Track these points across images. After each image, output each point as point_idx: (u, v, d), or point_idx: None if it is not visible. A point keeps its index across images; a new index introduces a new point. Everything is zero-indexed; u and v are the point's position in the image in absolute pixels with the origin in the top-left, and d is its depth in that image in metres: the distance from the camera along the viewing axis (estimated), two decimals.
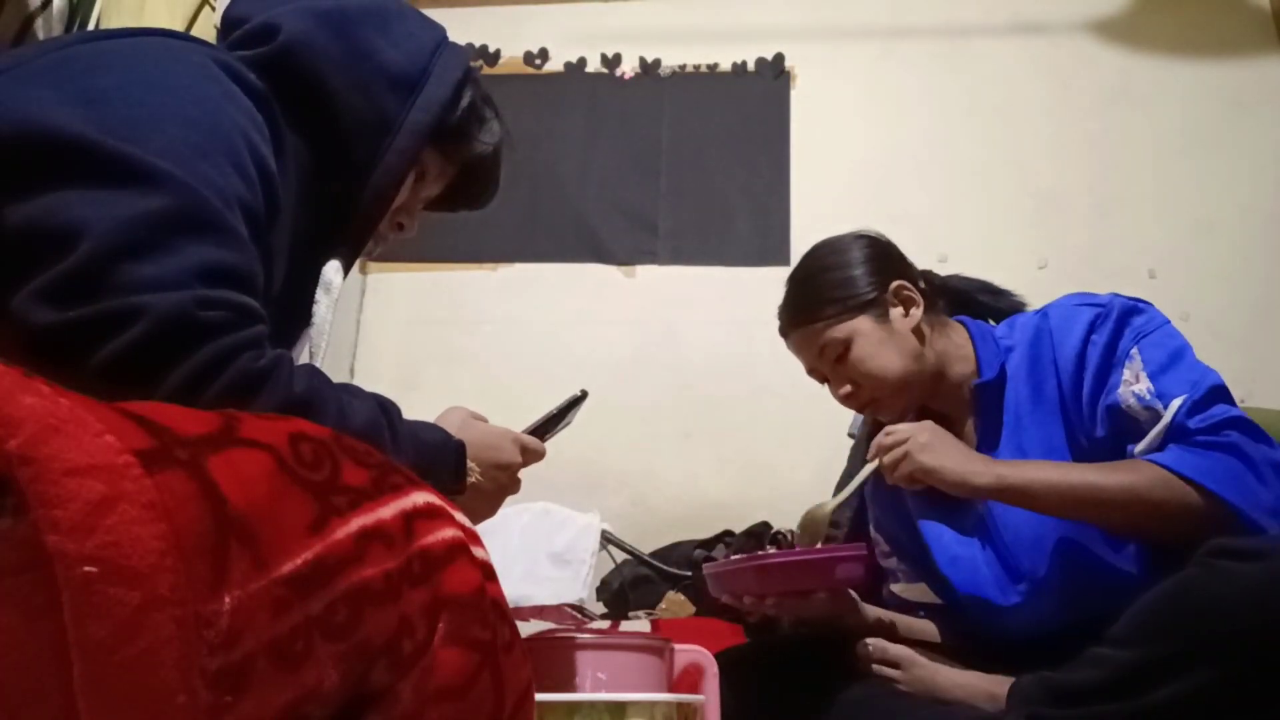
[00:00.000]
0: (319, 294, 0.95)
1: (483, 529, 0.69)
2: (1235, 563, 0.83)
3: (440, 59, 0.97)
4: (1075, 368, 1.13)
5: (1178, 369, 1.07)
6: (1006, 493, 1.06)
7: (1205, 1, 2.78)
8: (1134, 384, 1.07)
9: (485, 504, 0.94)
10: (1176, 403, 1.03)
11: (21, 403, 0.39)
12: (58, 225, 0.64)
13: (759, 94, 2.87)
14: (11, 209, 0.65)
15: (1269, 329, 2.46)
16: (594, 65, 2.96)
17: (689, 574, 2.05)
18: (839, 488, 1.82)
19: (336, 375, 0.80)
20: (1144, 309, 1.14)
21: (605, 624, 1.96)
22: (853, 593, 1.23)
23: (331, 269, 0.95)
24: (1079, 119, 2.71)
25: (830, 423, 2.01)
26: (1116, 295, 1.16)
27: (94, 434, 0.40)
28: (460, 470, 0.88)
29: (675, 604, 2.02)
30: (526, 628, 0.89)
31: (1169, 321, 1.13)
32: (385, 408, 0.81)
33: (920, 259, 1.32)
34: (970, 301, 1.34)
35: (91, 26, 1.37)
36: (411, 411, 0.85)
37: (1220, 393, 1.05)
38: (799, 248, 2.29)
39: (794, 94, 2.86)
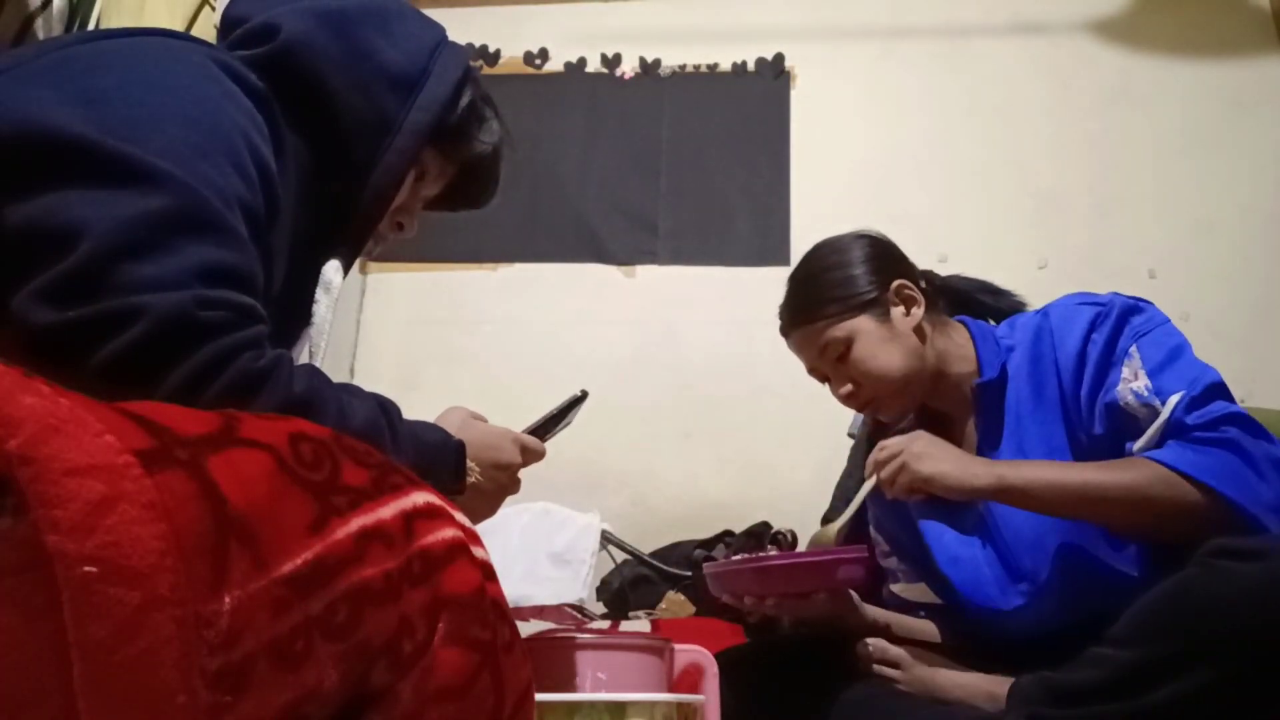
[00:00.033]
0: (319, 294, 0.95)
1: (483, 529, 0.69)
2: (1235, 563, 0.83)
3: (440, 59, 0.97)
4: (1076, 366, 1.13)
5: (1176, 366, 1.07)
6: (1007, 493, 1.06)
7: (1205, 1, 2.78)
8: (1132, 381, 1.08)
9: (485, 504, 0.94)
10: (1174, 399, 1.03)
11: (21, 403, 0.39)
12: (58, 225, 0.64)
13: (759, 94, 2.87)
14: (11, 209, 0.65)
15: (1269, 329, 2.46)
16: (594, 65, 2.96)
17: (689, 574, 2.05)
18: (839, 488, 1.82)
19: (336, 375, 0.80)
20: (1144, 308, 1.14)
21: (605, 624, 1.96)
22: (853, 593, 1.23)
23: (331, 269, 0.95)
24: (1079, 119, 2.71)
25: (830, 423, 2.01)
26: (1117, 294, 1.16)
27: (94, 434, 0.40)
28: (460, 470, 0.88)
29: (675, 604, 2.02)
30: (526, 628, 0.89)
31: (1169, 320, 1.13)
32: (385, 408, 0.81)
33: (920, 259, 1.32)
34: (971, 301, 1.34)
35: (91, 26, 1.37)
36: (411, 411, 0.85)
37: (1219, 389, 1.05)
38: (799, 248, 2.29)
39: (794, 94, 2.86)
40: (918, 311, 1.23)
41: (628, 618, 2.02)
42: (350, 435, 0.58)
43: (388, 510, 0.53)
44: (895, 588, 1.34)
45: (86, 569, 0.38)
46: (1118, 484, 1.01)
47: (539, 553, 2.03)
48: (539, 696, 0.69)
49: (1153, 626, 0.86)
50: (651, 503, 2.50)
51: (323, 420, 0.71)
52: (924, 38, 2.85)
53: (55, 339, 0.63)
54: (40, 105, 0.67)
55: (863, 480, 1.17)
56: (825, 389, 1.28)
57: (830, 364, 1.23)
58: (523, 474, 0.98)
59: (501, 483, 0.95)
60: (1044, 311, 1.22)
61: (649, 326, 2.69)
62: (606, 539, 2.14)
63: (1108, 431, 1.10)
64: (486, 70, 2.96)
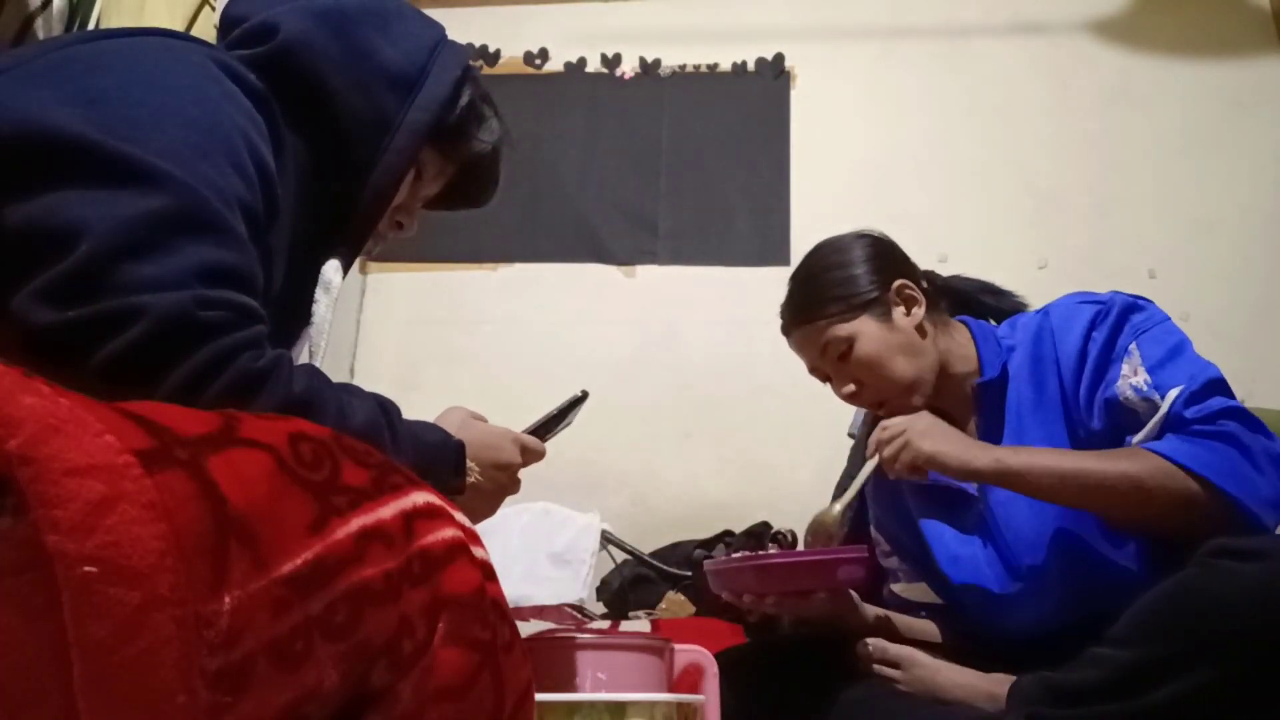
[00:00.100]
0: (318, 293, 0.95)
1: (483, 529, 0.69)
2: (1235, 562, 0.83)
3: (439, 58, 0.97)
4: (1076, 365, 1.14)
5: (1176, 363, 1.07)
6: (1005, 476, 1.06)
7: (1205, 1, 2.78)
8: (1132, 377, 1.08)
9: (485, 504, 0.94)
10: (1173, 393, 1.04)
11: (21, 403, 0.39)
12: (58, 225, 0.64)
13: (759, 94, 2.87)
14: (11, 209, 0.65)
15: (1269, 329, 2.46)
16: (594, 65, 2.96)
17: (689, 574, 2.05)
18: (839, 487, 1.82)
19: (336, 375, 0.80)
20: (1144, 306, 1.15)
21: (605, 624, 1.96)
22: (853, 592, 1.23)
23: (331, 268, 0.95)
24: (1079, 119, 2.71)
25: (830, 423, 2.01)
26: (1117, 293, 1.17)
27: (94, 434, 0.40)
28: (460, 470, 0.88)
29: (675, 604, 2.02)
30: (526, 628, 0.89)
31: (1169, 318, 1.13)
32: (385, 407, 0.81)
33: (920, 259, 1.32)
34: (972, 302, 1.34)
35: (91, 26, 1.37)
36: (411, 411, 0.85)
37: (1218, 385, 1.05)
38: (799, 248, 2.29)
39: (794, 94, 2.86)
40: (919, 311, 1.23)
41: (628, 618, 2.02)
42: (350, 435, 0.58)
43: (388, 510, 0.53)
44: (895, 587, 1.34)
45: (86, 569, 0.38)
46: (1115, 473, 1.01)
47: (539, 553, 2.03)
48: (539, 696, 0.69)
49: (1153, 626, 0.86)
50: (651, 503, 2.50)
51: (323, 420, 0.71)
52: (924, 38, 2.85)
53: (55, 339, 0.63)
54: (40, 105, 0.67)
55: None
56: (826, 388, 1.28)
57: (832, 363, 1.23)
58: (523, 474, 0.98)
59: (501, 483, 0.95)
60: (1045, 311, 1.22)
61: (649, 326, 2.69)
62: (606, 539, 2.14)
63: (1106, 427, 1.10)
64: (486, 70, 2.96)
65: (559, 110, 2.91)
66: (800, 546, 1.96)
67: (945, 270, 1.38)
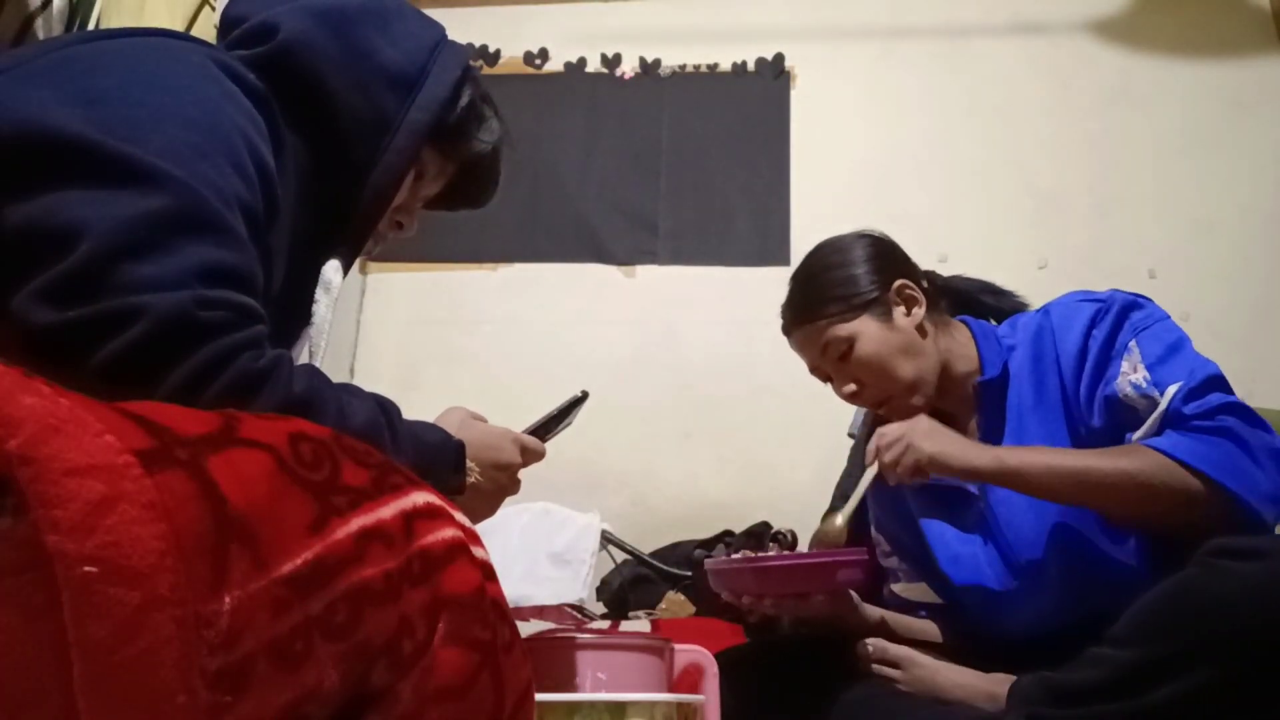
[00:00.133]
0: (318, 293, 0.95)
1: (483, 529, 0.69)
2: (1235, 562, 0.83)
3: (439, 58, 0.97)
4: (1076, 363, 1.14)
5: (1175, 359, 1.07)
6: (1005, 475, 1.06)
7: (1205, 1, 2.78)
8: (1132, 374, 1.08)
9: (485, 504, 0.94)
10: (1172, 389, 1.04)
11: (21, 403, 0.39)
12: (58, 225, 0.64)
13: (759, 94, 2.87)
14: (11, 209, 0.65)
15: (1269, 329, 2.46)
16: (594, 65, 2.96)
17: (689, 574, 2.05)
18: (839, 488, 1.82)
19: (336, 375, 0.80)
20: (1144, 304, 1.15)
21: (605, 624, 1.96)
22: (853, 593, 1.23)
23: (331, 268, 0.95)
24: (1079, 119, 2.71)
25: (830, 422, 2.01)
26: (1117, 291, 1.17)
27: (94, 434, 0.40)
28: (460, 470, 0.88)
29: (675, 604, 2.02)
30: (526, 628, 0.89)
31: (1168, 316, 1.14)
32: (385, 407, 0.81)
33: (920, 259, 1.32)
34: (972, 302, 1.34)
35: (91, 26, 1.37)
36: (411, 411, 0.85)
37: (1217, 381, 1.05)
38: (799, 248, 2.29)
39: (794, 94, 2.86)
40: (919, 311, 1.23)
41: (628, 618, 2.02)
42: (350, 435, 0.58)
43: (388, 510, 0.53)
44: (896, 587, 1.34)
45: (86, 569, 0.38)
46: (1115, 469, 1.01)
47: (539, 553, 2.03)
48: (539, 696, 0.69)
49: (1153, 626, 0.86)
50: (651, 503, 2.50)
51: (322, 420, 0.71)
52: (924, 38, 2.85)
53: (55, 339, 0.63)
54: (40, 105, 0.67)
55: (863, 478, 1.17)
56: (826, 388, 1.28)
57: (832, 363, 1.23)
58: (523, 474, 0.98)
59: (501, 483, 0.95)
60: (1045, 310, 1.22)
61: (649, 326, 2.69)
62: (606, 539, 2.14)
63: (1107, 424, 1.10)
64: (486, 70, 2.96)
65: (559, 110, 2.91)
66: (801, 549, 1.96)
67: (945, 270, 1.38)
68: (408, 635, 0.52)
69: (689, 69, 2.92)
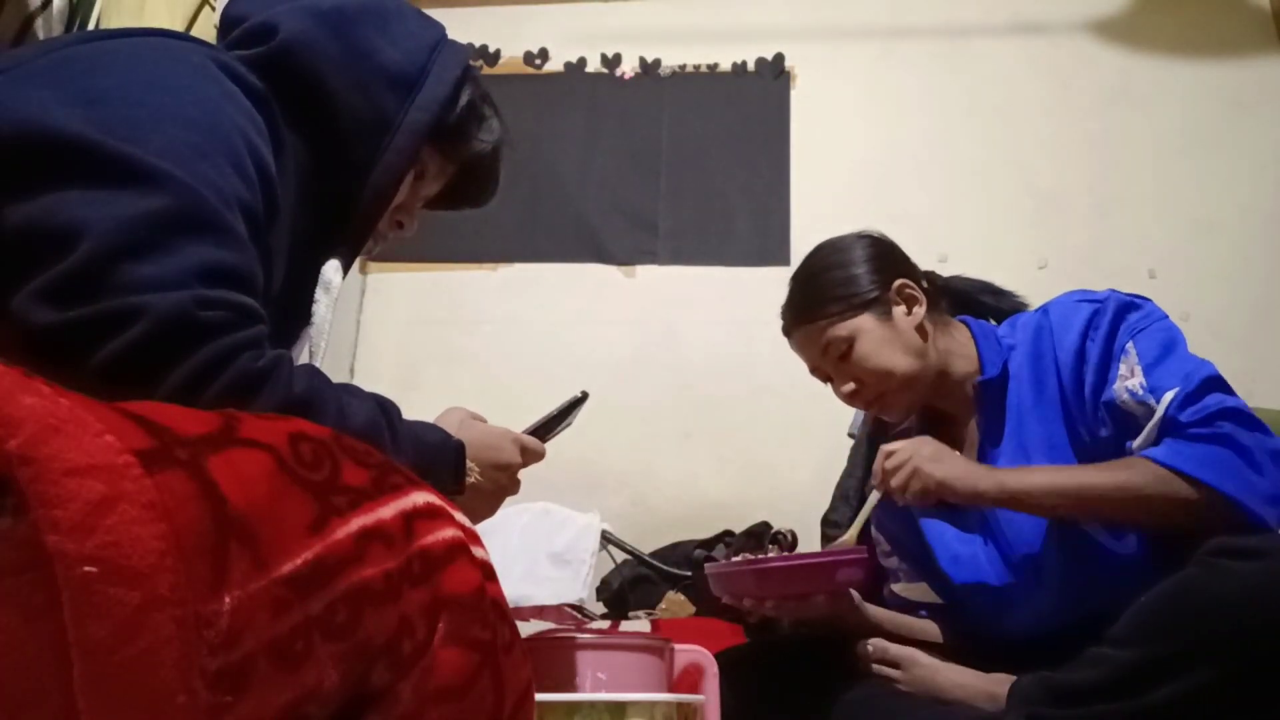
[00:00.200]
0: (318, 293, 0.95)
1: (483, 529, 0.69)
2: (1235, 562, 0.83)
3: (439, 57, 0.97)
4: (1075, 364, 1.14)
5: (1171, 362, 1.07)
6: (1008, 497, 1.08)
7: (1205, 1, 2.78)
8: (1129, 379, 1.08)
9: (485, 504, 0.94)
10: (1168, 396, 1.04)
11: (21, 403, 0.39)
12: (58, 225, 0.64)
13: (759, 94, 2.87)
14: (11, 209, 0.65)
15: (1269, 329, 2.46)
16: (594, 65, 2.96)
17: (689, 574, 2.05)
18: (839, 487, 1.82)
19: (336, 375, 0.80)
20: (1140, 304, 1.15)
21: (605, 624, 1.96)
22: (853, 593, 1.23)
23: (331, 268, 0.95)
24: (1079, 119, 2.71)
25: (830, 422, 2.01)
26: (1114, 291, 1.17)
27: (94, 434, 0.40)
28: (460, 470, 0.88)
29: (675, 604, 2.02)
30: (526, 628, 0.89)
31: (1166, 316, 1.14)
32: (385, 408, 0.81)
33: (920, 259, 1.33)
34: (972, 302, 1.34)
35: (91, 26, 1.37)
36: (411, 411, 0.85)
37: (1214, 383, 1.05)
38: (799, 248, 2.29)
39: (794, 94, 2.86)
40: (919, 310, 1.23)
41: (628, 618, 2.02)
42: (350, 435, 0.58)
43: (388, 510, 0.53)
44: (896, 587, 1.34)
45: (86, 569, 0.38)
46: (1115, 484, 1.02)
47: (539, 553, 2.03)
48: (539, 696, 0.69)
49: (1153, 626, 0.86)
50: (651, 503, 2.50)
51: (323, 420, 0.71)
52: (924, 38, 2.85)
53: (55, 339, 0.63)
54: (40, 105, 0.67)
55: (863, 479, 1.17)
56: (825, 388, 1.29)
57: (832, 363, 1.23)
58: (523, 474, 0.98)
59: (501, 483, 0.95)
60: (1044, 309, 1.22)
61: (649, 326, 2.69)
62: (606, 539, 2.13)
63: (1111, 433, 1.10)
64: (486, 70, 2.96)
65: (559, 110, 2.91)
66: (801, 549, 1.96)
67: (945, 270, 1.38)
68: (408, 635, 0.52)
69: (689, 69, 2.92)
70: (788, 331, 1.29)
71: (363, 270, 2.83)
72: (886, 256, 1.27)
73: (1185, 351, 1.09)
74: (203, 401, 0.65)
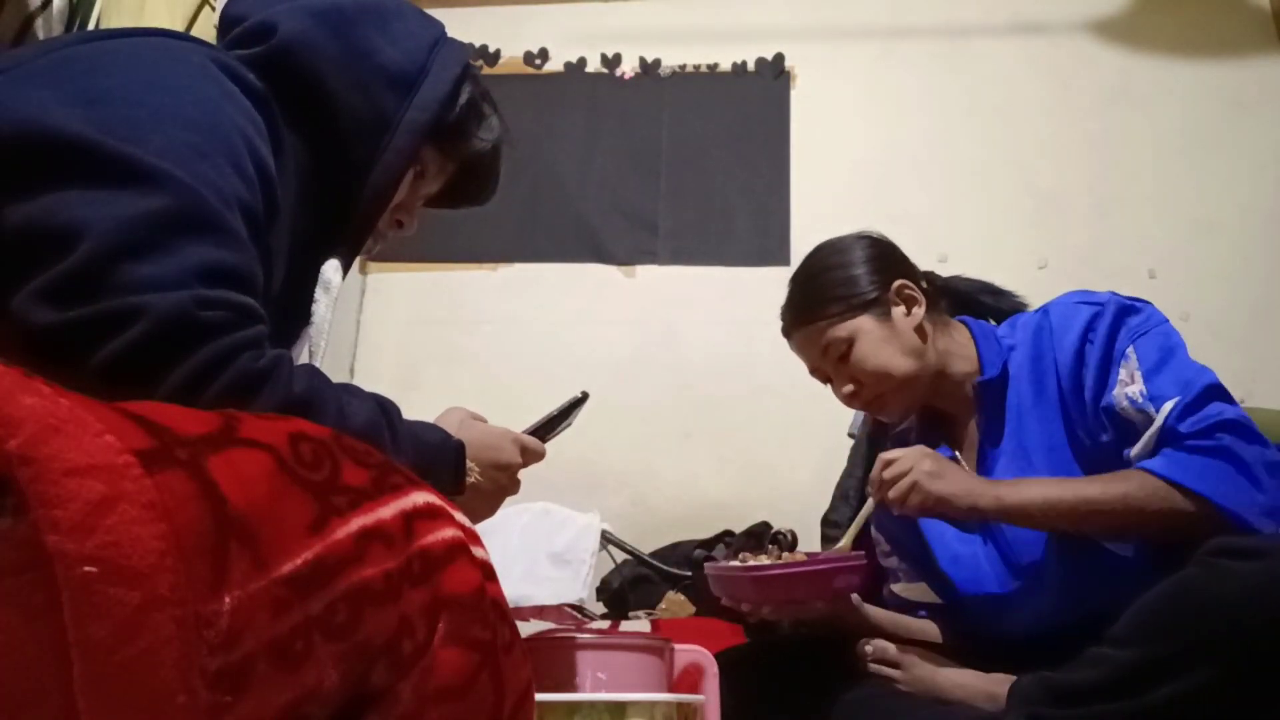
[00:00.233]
0: (318, 293, 0.95)
1: (483, 529, 0.69)
2: (1235, 561, 0.83)
3: (439, 56, 0.97)
4: (1073, 366, 1.14)
5: (1172, 368, 1.07)
6: (1005, 513, 1.08)
7: (1205, 1, 2.78)
8: (1129, 385, 1.08)
9: (485, 504, 0.94)
10: (1168, 406, 1.04)
11: (21, 403, 0.39)
12: (58, 225, 0.64)
13: (759, 94, 2.87)
14: (11, 209, 0.65)
15: (1269, 329, 2.46)
16: (594, 65, 2.96)
17: (689, 574, 2.05)
18: (839, 487, 1.82)
19: (336, 375, 0.80)
20: (1141, 308, 1.14)
21: (605, 624, 1.96)
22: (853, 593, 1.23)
23: (330, 268, 0.95)
24: (1079, 119, 2.71)
25: (830, 423, 2.01)
26: (1114, 294, 1.16)
27: (94, 434, 0.40)
28: (460, 470, 0.88)
29: (675, 604, 2.02)
30: (526, 628, 0.89)
31: (1166, 320, 1.13)
32: (385, 408, 0.81)
33: (920, 259, 1.33)
34: (972, 302, 1.34)
35: (91, 26, 1.37)
36: (411, 411, 0.85)
37: (1214, 392, 1.05)
38: (799, 248, 2.29)
39: (794, 94, 2.86)
40: (919, 311, 1.23)
41: (628, 618, 2.02)
42: (350, 435, 0.58)
43: (388, 510, 0.53)
44: (895, 587, 1.34)
45: (86, 569, 0.38)
46: (1113, 497, 1.02)
47: (539, 553, 2.03)
48: (539, 696, 0.69)
49: (1153, 626, 0.86)
50: (651, 503, 2.50)
51: (323, 420, 0.71)
52: (924, 38, 2.85)
53: (55, 339, 0.63)
54: (40, 105, 0.67)
55: (863, 479, 1.17)
56: (825, 388, 1.29)
57: (832, 364, 1.23)
58: (523, 474, 0.98)
59: (501, 483, 0.95)
60: (1044, 310, 1.22)
61: (649, 326, 2.69)
62: (606, 539, 2.13)
63: (1112, 438, 1.10)
64: (486, 70, 2.96)
65: (559, 110, 2.91)
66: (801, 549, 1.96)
67: (945, 270, 1.38)
68: (408, 635, 0.52)
69: (689, 69, 2.92)
70: (787, 332, 1.29)
71: (363, 270, 2.83)
72: (886, 257, 1.27)
73: (1186, 357, 1.09)
74: (203, 401, 0.65)
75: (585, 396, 1.08)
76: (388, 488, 0.54)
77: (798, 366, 1.30)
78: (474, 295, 2.78)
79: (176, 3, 1.70)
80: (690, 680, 1.03)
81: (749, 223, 2.74)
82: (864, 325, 1.20)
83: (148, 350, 0.64)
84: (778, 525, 2.13)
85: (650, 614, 2.01)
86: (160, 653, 0.39)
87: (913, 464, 1.10)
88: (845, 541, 1.20)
